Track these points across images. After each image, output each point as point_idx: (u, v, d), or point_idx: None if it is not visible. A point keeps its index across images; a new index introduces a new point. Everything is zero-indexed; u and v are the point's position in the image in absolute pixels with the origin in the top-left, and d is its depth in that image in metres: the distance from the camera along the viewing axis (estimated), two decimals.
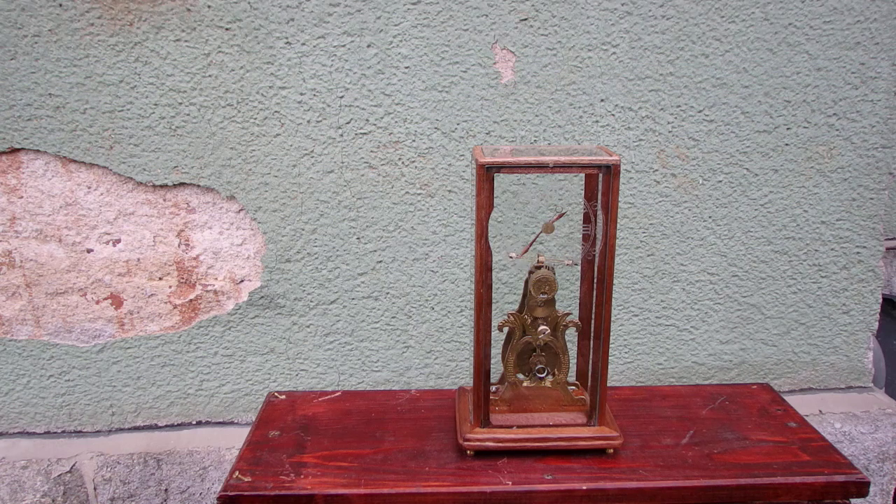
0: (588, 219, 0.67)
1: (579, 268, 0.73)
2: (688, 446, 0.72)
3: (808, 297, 1.02)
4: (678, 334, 1.02)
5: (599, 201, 0.65)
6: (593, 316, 0.69)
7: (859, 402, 1.04)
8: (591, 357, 0.70)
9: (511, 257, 0.69)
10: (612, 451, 0.69)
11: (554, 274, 0.67)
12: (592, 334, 0.70)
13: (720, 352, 1.03)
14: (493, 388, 0.73)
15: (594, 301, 0.68)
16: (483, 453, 0.69)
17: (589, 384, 0.71)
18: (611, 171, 0.62)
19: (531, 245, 0.68)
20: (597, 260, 0.66)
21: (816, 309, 1.02)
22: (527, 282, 0.69)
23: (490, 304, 0.66)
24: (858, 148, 0.96)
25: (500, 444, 0.68)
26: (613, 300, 0.99)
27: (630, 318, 1.01)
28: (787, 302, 1.02)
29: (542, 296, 0.67)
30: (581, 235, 0.70)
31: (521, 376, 0.72)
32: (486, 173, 0.61)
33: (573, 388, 0.73)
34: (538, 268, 0.68)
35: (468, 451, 0.68)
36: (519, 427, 0.69)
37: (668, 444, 0.72)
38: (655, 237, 0.98)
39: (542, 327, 0.68)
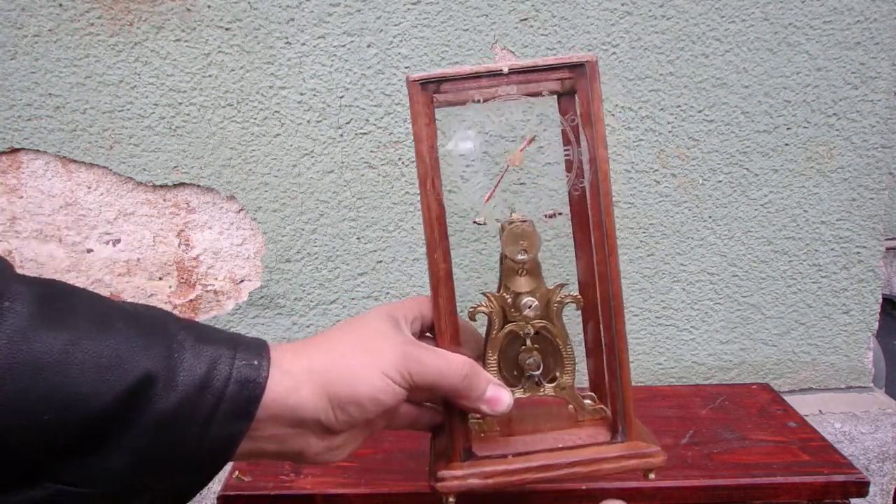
0: (567, 140, 0.50)
1: (571, 233, 0.53)
2: (688, 446, 0.72)
3: (808, 297, 1.02)
4: (678, 334, 1.02)
5: (579, 113, 0.49)
6: (597, 282, 0.50)
7: (859, 402, 1.04)
8: (603, 344, 0.51)
9: (477, 223, 0.51)
10: (653, 474, 0.51)
11: (535, 227, 0.51)
12: (600, 311, 0.51)
13: (720, 352, 1.03)
14: None
15: (595, 260, 0.50)
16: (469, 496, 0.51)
17: (608, 386, 0.52)
18: (587, 74, 0.47)
19: (497, 187, 0.51)
20: (588, 196, 0.49)
21: (816, 309, 1.02)
22: (501, 249, 0.52)
23: (450, 276, 0.49)
24: (858, 148, 0.96)
25: (487, 482, 0.49)
26: None
27: (630, 318, 1.01)
28: (787, 302, 1.02)
29: (520, 255, 0.50)
30: (564, 169, 0.52)
31: (518, 392, 0.52)
32: (423, 92, 0.47)
33: (588, 401, 0.52)
34: (511, 223, 0.50)
35: (448, 499, 0.50)
36: (516, 455, 0.50)
37: (668, 444, 0.72)
38: (655, 237, 0.98)
39: (526, 300, 0.50)
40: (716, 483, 0.66)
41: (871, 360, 1.06)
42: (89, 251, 0.95)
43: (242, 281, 0.97)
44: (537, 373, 0.51)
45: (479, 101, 0.47)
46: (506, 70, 0.47)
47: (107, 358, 0.36)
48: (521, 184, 0.51)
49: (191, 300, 0.97)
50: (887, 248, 1.17)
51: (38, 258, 0.95)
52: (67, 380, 0.35)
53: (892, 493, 1.06)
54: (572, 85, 0.48)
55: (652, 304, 1.00)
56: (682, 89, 0.93)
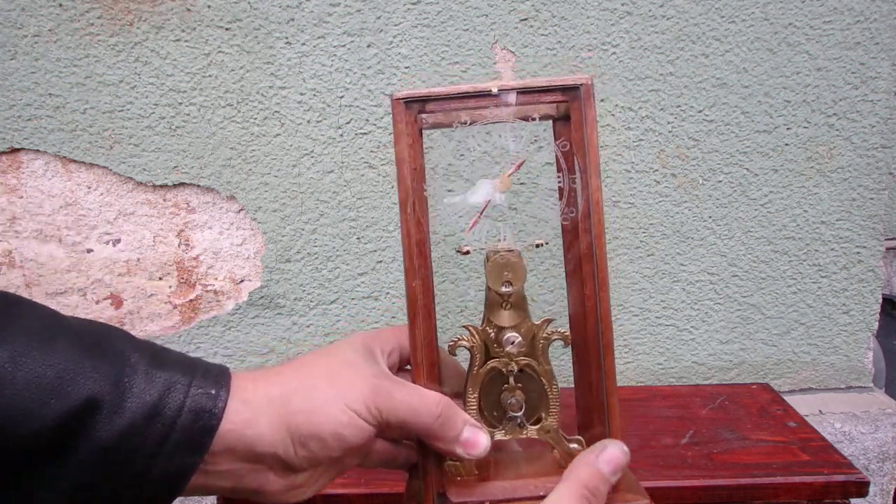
0: (560, 166, 0.47)
1: (563, 262, 0.50)
2: (687, 446, 0.72)
3: (808, 297, 1.02)
4: (678, 334, 1.02)
5: (573, 138, 0.46)
6: (585, 317, 0.47)
7: (859, 402, 1.04)
8: (591, 383, 0.47)
9: (460, 252, 0.47)
10: None
11: (521, 258, 0.47)
12: (589, 349, 0.47)
13: (720, 352, 1.03)
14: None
15: (584, 293, 0.47)
16: None
17: (596, 430, 0.47)
18: (580, 96, 0.44)
19: (482, 213, 0.48)
20: (580, 226, 0.46)
21: (816, 309, 1.02)
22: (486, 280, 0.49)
23: (430, 307, 0.46)
24: (858, 148, 0.96)
25: None
26: (612, 300, 0.99)
27: (630, 318, 1.01)
28: (787, 302, 1.02)
29: (504, 288, 0.47)
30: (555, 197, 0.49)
31: (499, 434, 0.48)
32: (407, 111, 0.44)
33: (575, 444, 0.48)
34: (496, 253, 0.48)
35: None
36: (493, 503, 0.46)
37: (668, 444, 0.72)
38: (655, 237, 0.98)
39: (509, 335, 0.47)
40: (716, 483, 0.66)
41: (871, 360, 1.06)
42: (89, 251, 0.95)
43: (242, 281, 0.97)
44: (519, 414, 0.47)
45: (465, 122, 0.45)
46: (495, 90, 0.44)
47: (49, 378, 0.34)
48: (514, 209, 0.49)
49: (191, 300, 0.97)
50: (887, 248, 1.17)
51: (38, 258, 0.95)
52: (3, 400, 0.32)
53: (892, 493, 1.06)
54: (566, 108, 0.45)
55: (652, 304, 1.00)
56: (682, 89, 0.93)
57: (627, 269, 0.99)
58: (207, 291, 0.97)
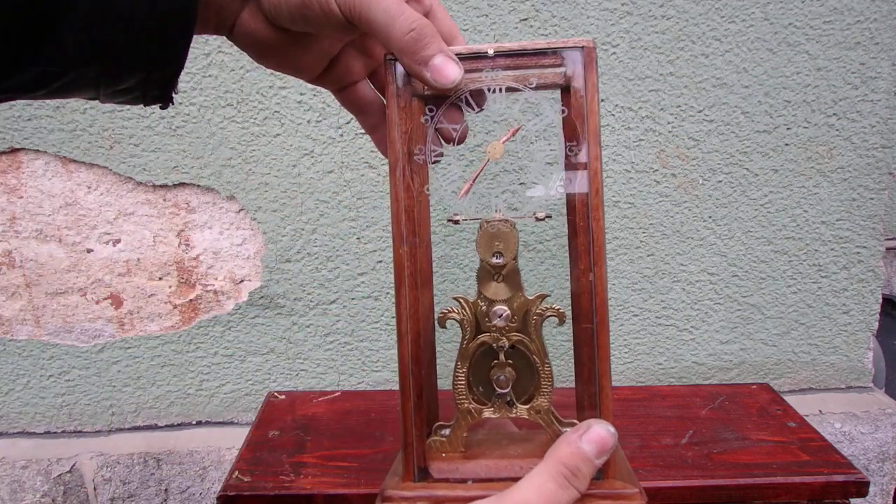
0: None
1: (566, 236, 0.45)
2: (687, 446, 0.72)
3: (808, 297, 1.02)
4: (678, 334, 1.02)
5: (572, 104, 0.43)
6: (580, 294, 0.44)
7: (859, 402, 1.04)
8: (585, 367, 0.44)
9: (452, 222, 0.45)
10: None
11: (514, 228, 0.45)
12: (581, 324, 0.45)
13: (720, 352, 1.03)
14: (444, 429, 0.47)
15: (579, 267, 0.43)
16: None
17: (587, 414, 0.44)
18: (583, 60, 0.42)
19: (474, 181, 0.45)
20: (577, 197, 0.43)
21: (816, 309, 1.02)
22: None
23: (417, 276, 0.43)
24: (858, 148, 0.96)
25: None
26: (613, 300, 1.00)
27: (630, 318, 1.01)
28: (787, 302, 1.02)
29: (495, 259, 0.45)
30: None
31: (487, 411, 0.46)
32: (398, 71, 0.43)
33: (568, 429, 0.43)
34: (489, 222, 0.45)
35: None
36: (476, 482, 0.44)
37: (668, 444, 0.72)
38: (655, 237, 0.98)
39: (497, 307, 0.45)
40: (716, 483, 0.66)
41: (871, 360, 1.06)
42: (89, 251, 0.95)
43: (242, 281, 0.97)
44: (507, 391, 0.45)
45: (464, 88, 0.43)
46: (491, 52, 0.42)
47: None
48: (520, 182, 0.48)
49: (191, 300, 0.97)
50: (887, 248, 1.17)
51: (38, 258, 0.95)
52: None
53: (892, 493, 1.06)
54: (566, 73, 0.43)
55: (652, 304, 1.00)
56: (682, 89, 0.93)
57: (627, 269, 0.99)
58: (207, 291, 0.97)
